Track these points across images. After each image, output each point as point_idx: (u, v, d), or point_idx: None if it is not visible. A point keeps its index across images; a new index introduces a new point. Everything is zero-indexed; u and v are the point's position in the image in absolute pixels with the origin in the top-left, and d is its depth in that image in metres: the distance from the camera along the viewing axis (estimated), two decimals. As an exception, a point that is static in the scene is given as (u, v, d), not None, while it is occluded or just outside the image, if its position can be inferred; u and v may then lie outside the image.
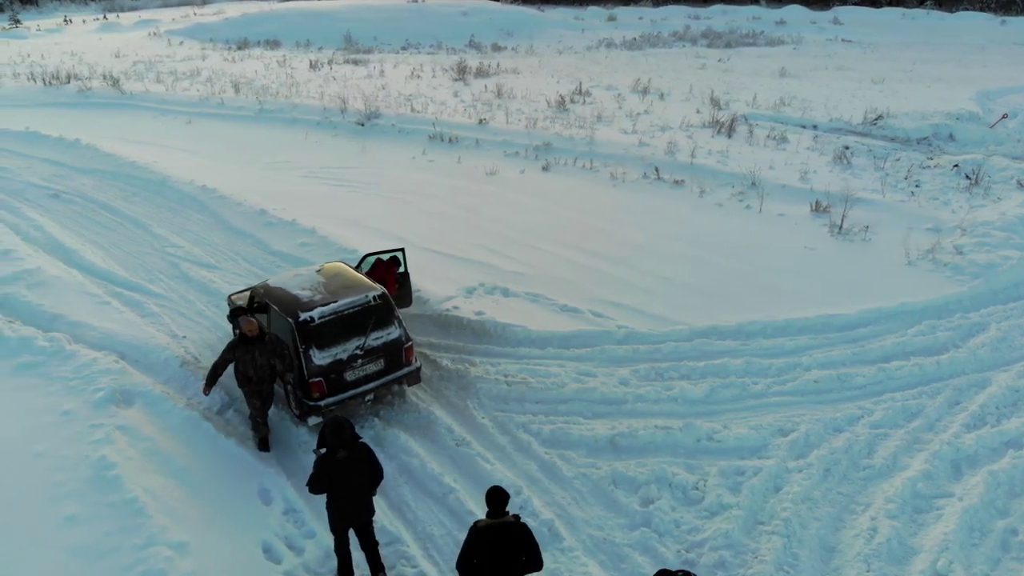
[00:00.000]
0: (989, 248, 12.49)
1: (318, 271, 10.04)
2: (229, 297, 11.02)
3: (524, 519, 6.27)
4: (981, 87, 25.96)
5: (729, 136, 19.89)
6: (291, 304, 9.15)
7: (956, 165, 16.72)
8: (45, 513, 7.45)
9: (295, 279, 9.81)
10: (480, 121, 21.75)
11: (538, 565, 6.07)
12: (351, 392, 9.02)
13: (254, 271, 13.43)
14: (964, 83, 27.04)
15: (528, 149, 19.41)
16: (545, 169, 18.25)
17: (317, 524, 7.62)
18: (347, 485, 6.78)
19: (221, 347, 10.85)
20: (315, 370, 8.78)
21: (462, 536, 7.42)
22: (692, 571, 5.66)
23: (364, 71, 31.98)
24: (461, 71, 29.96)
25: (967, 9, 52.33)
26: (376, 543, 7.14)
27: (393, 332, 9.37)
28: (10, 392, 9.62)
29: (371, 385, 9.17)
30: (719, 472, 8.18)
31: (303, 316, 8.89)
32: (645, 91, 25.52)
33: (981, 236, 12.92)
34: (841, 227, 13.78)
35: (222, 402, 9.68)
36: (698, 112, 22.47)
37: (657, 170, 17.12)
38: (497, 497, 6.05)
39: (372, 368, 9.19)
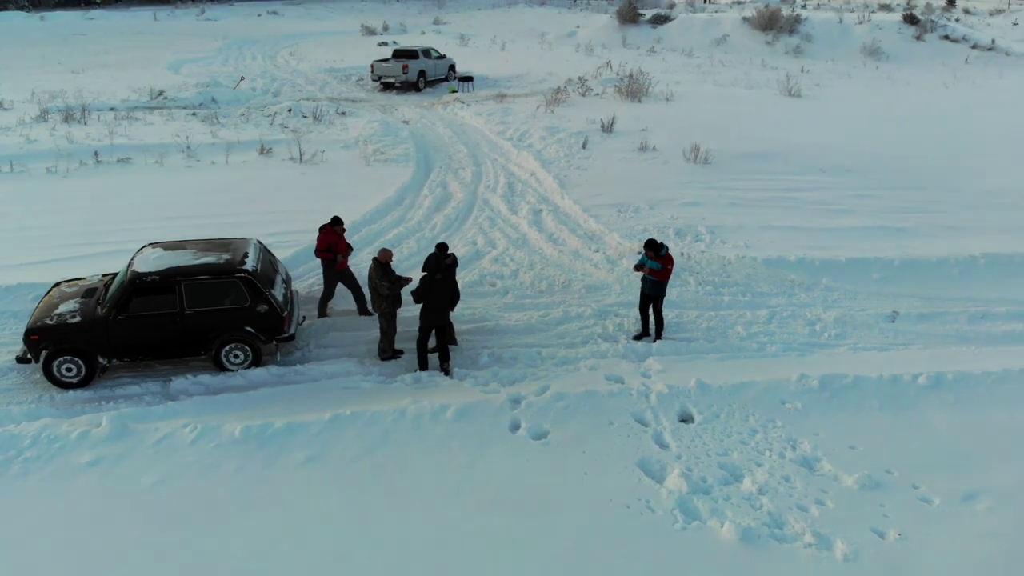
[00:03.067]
0: (392, 146, 19.90)
1: (167, 250, 10.30)
2: (57, 285, 10.21)
3: None
4: (166, 63, 31.63)
5: (84, 123, 20.81)
6: (218, 268, 9.80)
7: (290, 109, 22.97)
8: None
9: (162, 258, 9.98)
10: None
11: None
12: (295, 318, 10.57)
13: None
14: (143, 64, 32.01)
15: None
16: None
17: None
18: (438, 299, 9.78)
19: None
20: (281, 306, 10.07)
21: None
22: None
23: None
24: None
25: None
26: (445, 341, 10.11)
27: (279, 265, 11.02)
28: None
29: (298, 309, 10.85)
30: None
31: (247, 269, 9.85)
32: None
33: (379, 144, 20.14)
34: (301, 158, 18.77)
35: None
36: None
37: (97, 154, 17.80)
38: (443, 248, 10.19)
39: (288, 293, 10.76)
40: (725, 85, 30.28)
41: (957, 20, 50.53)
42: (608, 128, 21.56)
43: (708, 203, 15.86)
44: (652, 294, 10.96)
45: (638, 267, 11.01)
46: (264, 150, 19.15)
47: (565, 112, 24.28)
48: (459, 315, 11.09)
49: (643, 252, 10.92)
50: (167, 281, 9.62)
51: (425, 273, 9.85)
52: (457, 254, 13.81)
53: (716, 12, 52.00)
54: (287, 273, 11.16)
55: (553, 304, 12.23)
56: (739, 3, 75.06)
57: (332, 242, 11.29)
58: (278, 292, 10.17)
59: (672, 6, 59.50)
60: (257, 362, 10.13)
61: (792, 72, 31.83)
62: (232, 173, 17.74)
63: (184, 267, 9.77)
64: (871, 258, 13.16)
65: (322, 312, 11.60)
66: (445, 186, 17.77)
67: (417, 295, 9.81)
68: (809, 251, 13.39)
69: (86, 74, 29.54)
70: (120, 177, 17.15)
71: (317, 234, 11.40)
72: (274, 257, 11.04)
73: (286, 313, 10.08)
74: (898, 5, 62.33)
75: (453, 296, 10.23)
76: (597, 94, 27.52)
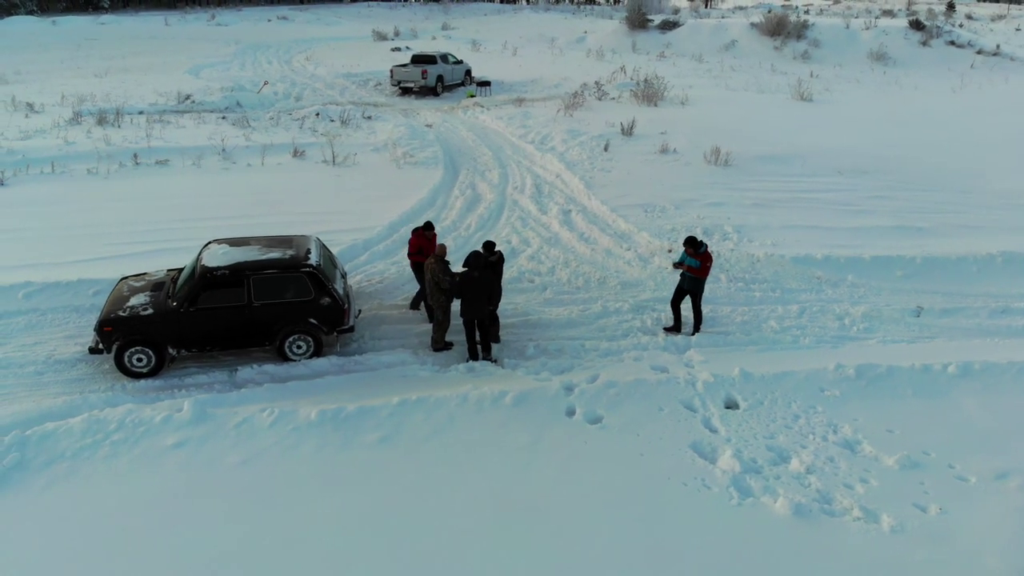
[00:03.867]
0: (420, 149, 20.42)
1: (232, 246, 10.79)
2: (124, 279, 10.77)
3: None
4: (186, 68, 32.18)
5: (118, 126, 21.31)
6: (285, 263, 10.32)
7: (317, 113, 23.51)
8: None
9: (229, 253, 10.47)
10: None
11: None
12: (353, 311, 11.08)
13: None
14: (162, 68, 32.55)
15: None
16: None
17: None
18: (475, 293, 10.34)
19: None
20: (342, 299, 10.59)
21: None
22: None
23: None
24: None
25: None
26: (487, 333, 10.66)
27: (337, 261, 11.53)
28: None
29: (354, 302, 11.35)
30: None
31: (312, 264, 10.39)
32: None
33: (407, 147, 20.66)
34: (334, 161, 19.29)
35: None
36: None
37: (136, 156, 18.32)
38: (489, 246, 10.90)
39: (346, 287, 11.26)
40: (737, 89, 30.86)
41: (960, 26, 51.20)
42: (628, 131, 22.09)
43: (731, 203, 16.40)
44: (690, 290, 11.47)
45: (678, 264, 11.52)
46: (297, 153, 19.66)
47: (584, 116, 24.83)
48: (503, 310, 11.58)
49: (683, 250, 11.43)
50: (236, 275, 10.12)
51: (465, 269, 10.38)
52: (494, 252, 14.35)
53: (723, 18, 52.62)
54: (343, 268, 11.67)
55: (591, 299, 12.72)
56: (741, 8, 75.72)
57: (423, 245, 11.78)
58: (338, 286, 10.68)
59: (677, 11, 60.15)
60: (319, 352, 10.62)
61: (802, 77, 32.40)
62: (268, 175, 18.25)
63: (252, 262, 10.27)
64: (894, 256, 13.69)
65: (415, 306, 12.08)
66: (474, 187, 18.28)
67: (455, 290, 10.34)
68: (833, 249, 13.92)
69: (109, 78, 30.08)
70: (160, 178, 17.66)
71: (410, 237, 12.00)
72: (332, 253, 11.55)
73: (346, 306, 10.59)
74: (900, 11, 63.07)
75: (491, 294, 10.60)
76: (613, 98, 28.08)
